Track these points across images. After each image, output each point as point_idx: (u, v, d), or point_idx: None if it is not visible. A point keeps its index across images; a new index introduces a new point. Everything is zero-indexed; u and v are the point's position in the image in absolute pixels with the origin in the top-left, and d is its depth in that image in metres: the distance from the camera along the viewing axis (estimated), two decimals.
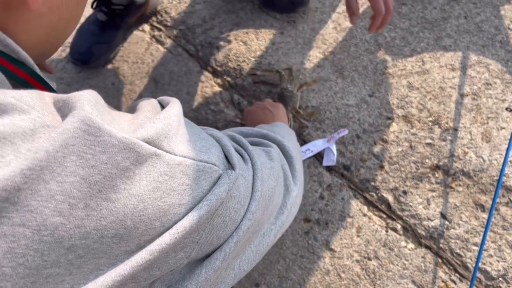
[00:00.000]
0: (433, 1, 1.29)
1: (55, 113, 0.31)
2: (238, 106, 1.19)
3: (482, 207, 1.00)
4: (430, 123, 1.10)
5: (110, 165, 0.30)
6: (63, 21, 0.42)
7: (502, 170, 0.92)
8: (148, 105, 0.40)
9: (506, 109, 1.10)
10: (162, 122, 0.35)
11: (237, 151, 0.48)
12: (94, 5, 1.26)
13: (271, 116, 0.95)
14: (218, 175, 0.39)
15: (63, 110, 0.32)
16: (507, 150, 0.93)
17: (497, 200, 0.99)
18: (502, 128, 1.07)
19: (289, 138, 0.72)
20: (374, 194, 1.04)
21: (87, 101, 0.31)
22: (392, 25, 1.26)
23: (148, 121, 0.35)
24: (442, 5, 1.28)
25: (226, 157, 0.43)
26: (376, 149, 1.09)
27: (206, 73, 1.25)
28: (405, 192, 1.03)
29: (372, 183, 1.05)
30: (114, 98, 1.24)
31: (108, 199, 0.30)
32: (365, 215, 1.02)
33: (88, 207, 0.29)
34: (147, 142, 0.33)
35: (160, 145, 0.34)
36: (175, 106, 0.40)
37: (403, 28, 1.25)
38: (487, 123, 1.09)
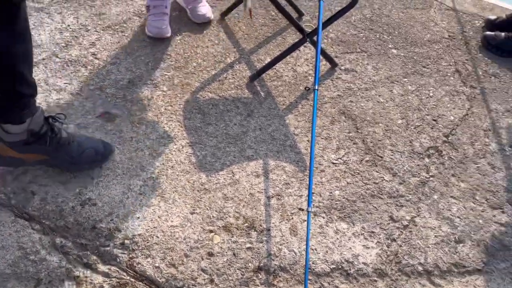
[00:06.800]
0: (233, 118, 1.51)
1: None
2: (62, 249, 1.16)
3: None
4: (247, 229, 1.24)
5: None
6: None
7: (306, 259, 1.08)
8: None
9: (301, 209, 1.30)
10: None
11: None
12: None
13: None
14: None
15: None
16: (307, 240, 1.10)
17: (311, 286, 1.14)
18: (304, 220, 1.27)
19: None
20: None
21: None
22: (202, 144, 1.42)
23: None
24: (240, 120, 1.51)
25: None
26: (204, 264, 1.16)
27: (22, 221, 1.19)
28: None
29: None
30: None
31: None
32: None
33: None
34: None
35: None
36: None
37: (212, 146, 1.42)
38: (292, 218, 1.28)
